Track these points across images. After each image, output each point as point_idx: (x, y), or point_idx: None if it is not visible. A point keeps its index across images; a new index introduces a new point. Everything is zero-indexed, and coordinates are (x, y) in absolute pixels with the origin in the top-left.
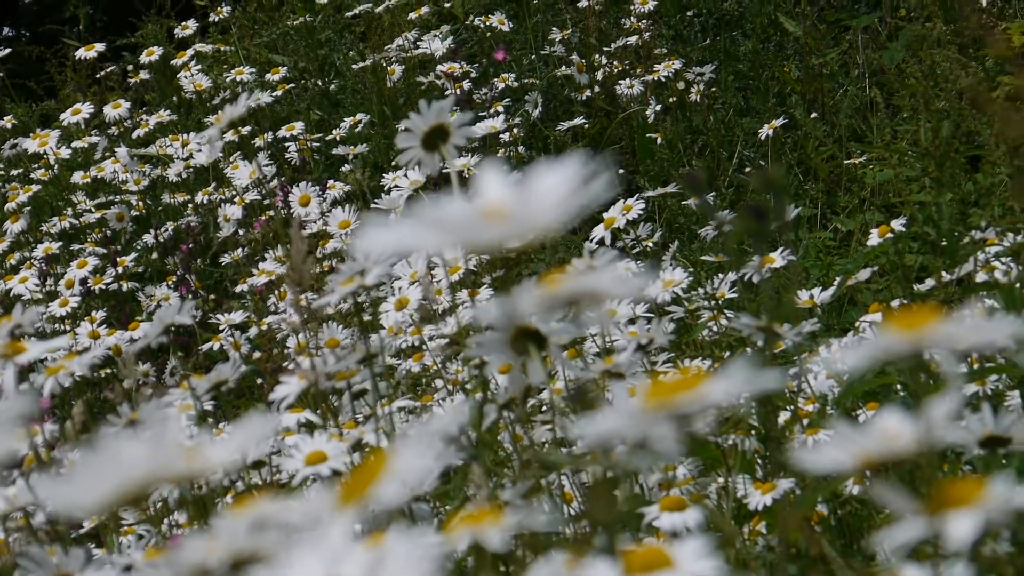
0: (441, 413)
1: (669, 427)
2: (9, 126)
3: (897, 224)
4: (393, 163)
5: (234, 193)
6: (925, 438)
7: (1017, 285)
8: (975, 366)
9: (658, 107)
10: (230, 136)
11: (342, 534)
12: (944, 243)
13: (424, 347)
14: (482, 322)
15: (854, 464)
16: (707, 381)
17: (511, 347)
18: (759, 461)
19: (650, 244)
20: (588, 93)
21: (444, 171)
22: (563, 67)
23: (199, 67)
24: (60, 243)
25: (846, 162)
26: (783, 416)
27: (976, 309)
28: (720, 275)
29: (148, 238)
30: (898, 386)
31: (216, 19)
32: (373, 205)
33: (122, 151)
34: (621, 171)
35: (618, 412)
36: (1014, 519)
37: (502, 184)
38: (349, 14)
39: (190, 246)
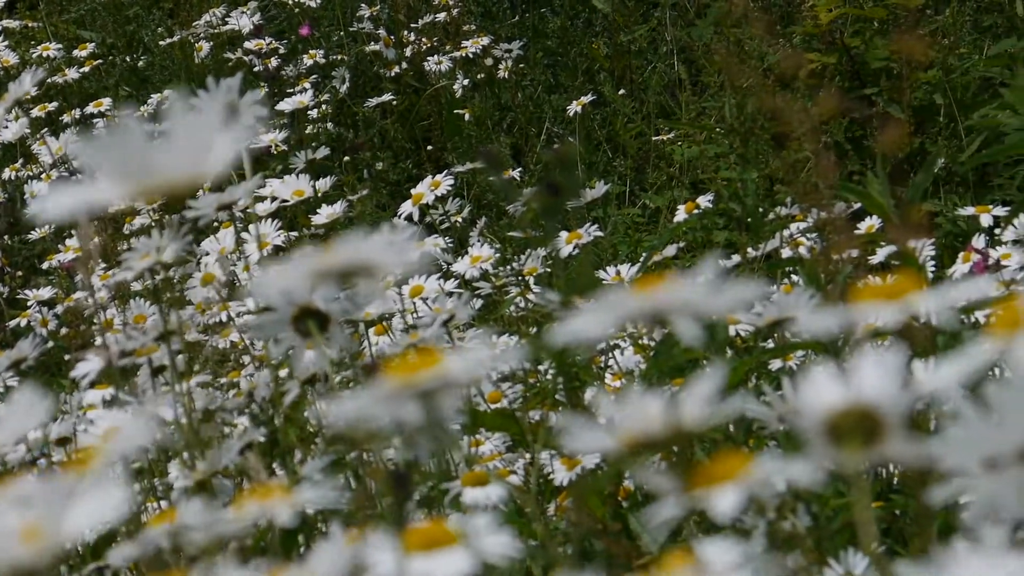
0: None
1: (414, 405)
2: None
3: (704, 200)
4: None
5: (41, 170)
6: (675, 417)
7: (810, 259)
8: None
9: (467, 83)
10: (37, 112)
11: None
12: (750, 219)
13: (232, 323)
14: (261, 301)
15: (618, 446)
16: (447, 358)
17: (292, 328)
18: None
19: (459, 220)
20: (397, 69)
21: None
22: (372, 43)
23: (6, 43)
24: None
25: (654, 139)
26: (590, 392)
27: (783, 285)
28: (528, 251)
29: None
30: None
31: None
32: None
33: None
34: (430, 147)
35: (367, 391)
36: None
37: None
38: None
39: None
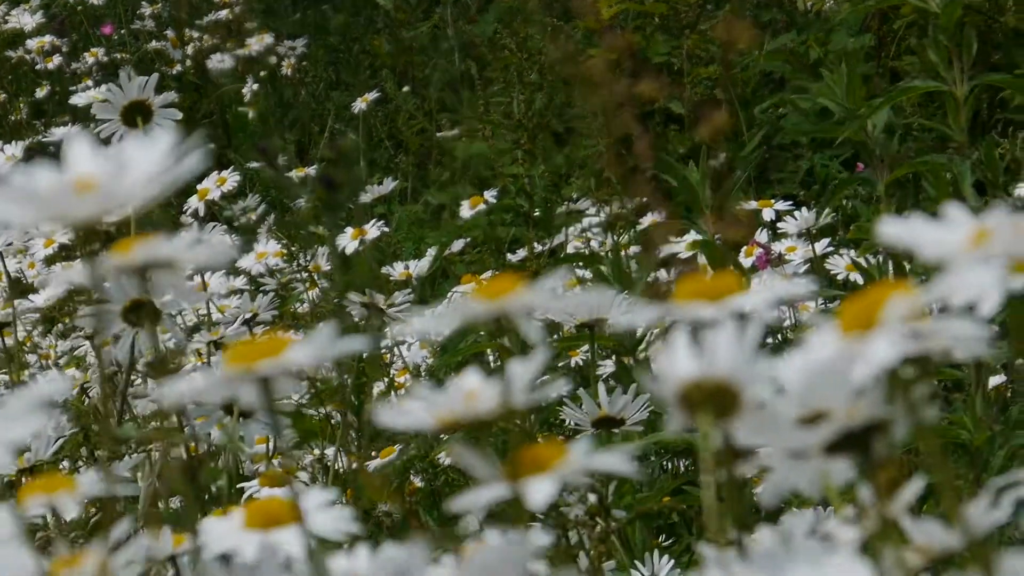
0: None
1: (252, 390)
2: None
3: (489, 196)
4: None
5: None
6: (506, 399)
7: (612, 255)
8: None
9: (255, 86)
10: None
11: None
12: (537, 214)
13: (18, 321)
14: (93, 293)
15: (436, 424)
16: (290, 346)
17: (124, 319)
18: (354, 433)
19: (253, 216)
20: (179, 67)
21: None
22: (154, 41)
23: None
24: None
25: (437, 135)
26: (377, 387)
27: (567, 279)
28: (316, 247)
29: None
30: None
31: None
32: None
33: None
34: (212, 145)
35: (202, 375)
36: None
37: (95, 157)
38: None
39: None
